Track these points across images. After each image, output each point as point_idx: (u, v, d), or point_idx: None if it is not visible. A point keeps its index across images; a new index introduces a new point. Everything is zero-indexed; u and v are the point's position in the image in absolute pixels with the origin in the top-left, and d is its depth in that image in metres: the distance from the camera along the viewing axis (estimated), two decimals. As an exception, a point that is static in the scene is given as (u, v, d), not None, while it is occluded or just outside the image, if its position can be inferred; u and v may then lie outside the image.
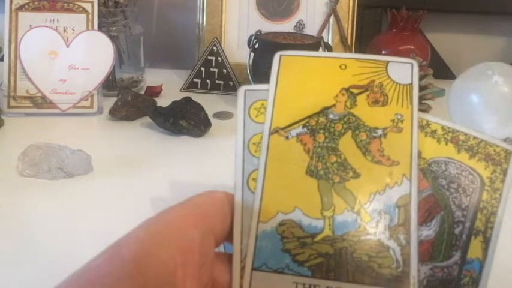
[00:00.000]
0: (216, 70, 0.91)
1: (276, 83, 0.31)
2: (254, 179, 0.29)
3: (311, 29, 0.97)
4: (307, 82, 0.31)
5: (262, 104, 0.31)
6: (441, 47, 1.10)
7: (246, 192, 0.29)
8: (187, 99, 0.71)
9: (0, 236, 0.46)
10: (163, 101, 0.74)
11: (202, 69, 0.91)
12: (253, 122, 0.30)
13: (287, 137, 0.30)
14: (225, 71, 0.90)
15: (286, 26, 0.97)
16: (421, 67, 0.76)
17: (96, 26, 0.79)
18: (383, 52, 0.93)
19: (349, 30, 0.97)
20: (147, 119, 0.73)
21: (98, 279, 0.22)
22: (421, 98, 0.73)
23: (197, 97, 0.74)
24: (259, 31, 0.84)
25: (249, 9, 0.97)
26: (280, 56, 0.32)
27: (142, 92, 0.85)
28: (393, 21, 0.94)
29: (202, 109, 0.71)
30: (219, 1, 0.95)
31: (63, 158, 0.56)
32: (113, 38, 0.81)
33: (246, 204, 0.28)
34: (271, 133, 0.30)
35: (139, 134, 0.71)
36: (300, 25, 0.97)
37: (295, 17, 0.98)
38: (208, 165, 0.61)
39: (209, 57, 0.91)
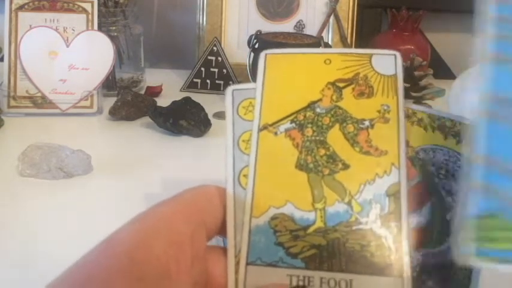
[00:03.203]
0: (216, 70, 0.91)
1: (263, 81, 0.31)
2: (245, 176, 0.29)
3: (311, 29, 0.97)
4: (293, 79, 0.32)
5: (251, 103, 0.31)
6: (441, 47, 1.10)
7: (237, 189, 0.29)
8: (187, 99, 0.71)
9: (0, 236, 0.46)
10: (163, 101, 0.74)
11: (202, 69, 0.91)
12: (242, 120, 0.31)
13: (276, 133, 0.30)
14: (225, 71, 0.90)
15: (286, 26, 0.97)
16: (421, 67, 0.76)
17: (96, 26, 0.79)
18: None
19: (349, 30, 0.97)
20: (147, 119, 0.73)
21: (95, 273, 0.23)
22: (421, 98, 0.73)
23: (197, 97, 0.74)
24: (259, 31, 0.84)
25: (249, 9, 0.97)
26: (266, 54, 0.32)
27: (142, 92, 0.85)
28: (393, 21, 0.94)
29: (202, 109, 0.71)
30: (219, 1, 0.95)
31: (63, 158, 0.56)
32: (113, 38, 0.81)
33: (238, 200, 0.28)
34: (260, 130, 0.30)
35: (139, 134, 0.71)
36: (300, 25, 0.98)
37: (295, 17, 0.98)
38: (208, 165, 0.61)
39: (209, 57, 0.91)
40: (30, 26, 0.77)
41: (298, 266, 0.27)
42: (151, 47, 1.00)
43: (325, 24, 0.97)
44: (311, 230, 0.28)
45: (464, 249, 0.23)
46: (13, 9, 0.77)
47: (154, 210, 0.26)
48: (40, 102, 0.76)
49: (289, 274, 0.27)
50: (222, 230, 0.28)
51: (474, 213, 0.23)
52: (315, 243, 0.28)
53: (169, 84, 0.91)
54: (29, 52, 0.76)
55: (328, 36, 0.97)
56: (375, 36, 0.99)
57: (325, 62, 0.32)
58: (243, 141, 0.30)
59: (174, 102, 0.71)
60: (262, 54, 0.32)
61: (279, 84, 0.31)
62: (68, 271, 0.23)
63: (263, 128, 0.30)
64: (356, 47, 1.00)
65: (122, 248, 0.24)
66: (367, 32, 1.05)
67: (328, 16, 0.96)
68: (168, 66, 1.07)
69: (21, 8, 0.77)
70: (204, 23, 0.95)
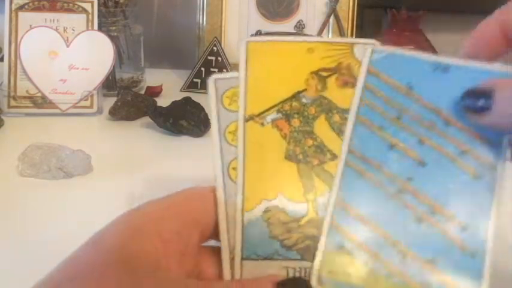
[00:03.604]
0: (216, 70, 0.91)
1: (246, 70, 0.31)
2: (234, 168, 0.29)
3: (311, 29, 0.97)
4: (276, 67, 0.31)
5: (234, 92, 0.31)
6: (441, 47, 1.10)
7: (227, 183, 0.29)
8: (187, 99, 0.71)
9: (0, 236, 0.46)
10: (163, 101, 0.74)
11: (202, 69, 0.91)
12: (227, 111, 0.30)
13: (262, 124, 0.30)
14: (225, 71, 0.90)
15: (286, 26, 0.97)
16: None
17: (96, 26, 0.79)
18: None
19: (349, 30, 0.97)
20: (147, 119, 0.73)
21: (86, 268, 0.23)
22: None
23: (197, 97, 0.74)
24: (259, 31, 0.84)
25: (249, 9, 0.97)
26: (247, 42, 0.32)
27: (142, 92, 0.85)
28: (393, 21, 0.94)
29: (202, 109, 0.71)
30: (219, 1, 0.95)
31: (63, 158, 0.56)
32: (113, 38, 0.81)
33: (228, 195, 0.28)
34: (246, 120, 0.30)
35: (139, 134, 0.71)
36: (300, 25, 0.97)
37: (295, 17, 0.98)
38: (208, 165, 0.61)
39: (209, 57, 0.91)
40: (30, 26, 0.77)
41: (294, 258, 0.27)
42: (151, 47, 1.00)
43: (325, 24, 0.97)
44: (304, 221, 0.28)
45: (314, 275, 0.27)
46: (13, 9, 0.77)
47: (142, 209, 0.27)
48: (40, 102, 0.76)
49: (286, 266, 0.27)
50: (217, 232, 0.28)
51: (325, 247, 0.27)
52: (309, 234, 0.28)
53: (169, 84, 0.91)
54: (29, 52, 0.76)
55: (328, 36, 0.97)
56: (375, 36, 0.99)
57: (307, 50, 0.31)
58: (230, 132, 0.30)
59: (174, 102, 0.71)
60: (243, 42, 0.32)
61: (262, 73, 0.31)
62: (57, 269, 0.23)
63: (249, 118, 0.30)
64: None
65: (111, 244, 0.24)
66: (367, 32, 1.05)
67: (328, 16, 0.96)
68: (168, 66, 1.07)
69: (21, 8, 0.77)
70: (204, 23, 0.95)
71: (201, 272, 0.27)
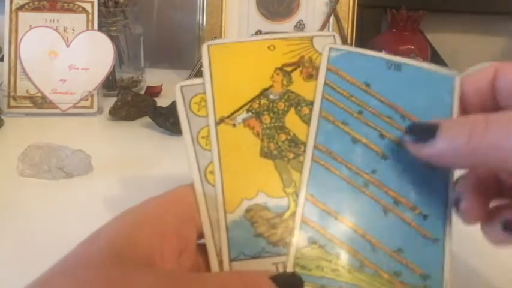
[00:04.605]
0: (216, 70, 0.90)
1: (211, 74, 0.31)
2: (211, 172, 0.29)
3: (311, 29, 0.97)
4: (240, 68, 0.32)
5: (202, 98, 0.31)
6: (441, 47, 1.10)
7: (206, 187, 0.29)
8: (187, 99, 0.71)
9: (0, 235, 0.46)
10: (163, 101, 0.74)
11: (202, 69, 0.91)
12: (197, 117, 0.30)
13: (234, 125, 0.30)
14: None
15: (286, 26, 0.97)
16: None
17: (96, 26, 0.79)
18: (383, 52, 0.92)
19: (349, 30, 0.97)
20: (147, 119, 0.73)
21: (78, 266, 0.23)
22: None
23: (197, 97, 0.74)
24: (259, 31, 0.84)
25: (249, 9, 0.97)
26: (208, 46, 0.32)
27: (142, 92, 0.85)
28: (393, 21, 0.94)
29: (202, 109, 0.71)
30: (219, 1, 0.95)
31: (63, 158, 0.56)
32: (113, 38, 0.81)
33: (209, 199, 0.28)
34: (217, 124, 0.30)
35: (139, 134, 0.71)
36: (300, 25, 0.97)
37: (295, 17, 0.98)
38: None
39: (209, 57, 0.91)
40: (30, 26, 0.77)
41: (282, 253, 0.27)
42: (151, 47, 1.00)
43: (325, 24, 0.97)
44: (287, 215, 0.28)
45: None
46: (13, 9, 0.77)
47: (139, 206, 0.27)
48: (40, 102, 0.76)
49: (275, 262, 0.27)
50: None
51: (297, 242, 0.27)
52: (293, 228, 0.28)
53: (169, 84, 0.91)
54: (29, 52, 0.76)
55: (328, 36, 0.97)
56: (375, 36, 0.99)
57: (269, 48, 0.32)
58: (202, 137, 0.30)
59: (174, 102, 0.71)
60: (204, 47, 0.32)
61: (227, 75, 0.31)
62: (54, 266, 0.24)
63: (220, 121, 0.30)
64: (356, 46, 1.00)
65: (104, 241, 0.24)
66: (367, 32, 1.05)
67: (328, 16, 0.96)
68: (168, 66, 1.07)
69: (21, 8, 0.77)
70: (204, 23, 0.95)
71: (200, 270, 0.27)
